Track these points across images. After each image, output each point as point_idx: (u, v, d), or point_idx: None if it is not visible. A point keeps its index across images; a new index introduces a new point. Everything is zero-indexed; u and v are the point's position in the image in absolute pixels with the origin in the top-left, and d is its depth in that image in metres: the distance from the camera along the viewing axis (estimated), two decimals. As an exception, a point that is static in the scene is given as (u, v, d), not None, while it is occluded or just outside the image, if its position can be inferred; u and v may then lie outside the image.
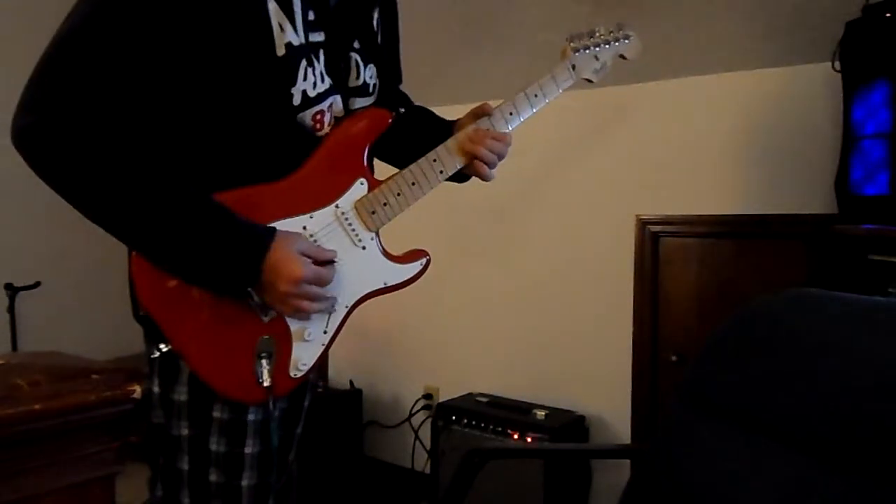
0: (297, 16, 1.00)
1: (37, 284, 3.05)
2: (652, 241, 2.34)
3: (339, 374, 3.07)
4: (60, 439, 0.75)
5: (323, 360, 1.10)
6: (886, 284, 1.49)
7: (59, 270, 3.17)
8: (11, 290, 2.99)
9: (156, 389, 1.05)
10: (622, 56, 1.29)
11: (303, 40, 1.01)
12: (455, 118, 1.26)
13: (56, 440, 0.75)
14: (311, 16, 1.03)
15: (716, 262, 2.24)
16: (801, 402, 1.09)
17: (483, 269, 2.74)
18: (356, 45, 1.12)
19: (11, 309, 2.98)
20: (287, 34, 0.99)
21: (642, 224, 2.35)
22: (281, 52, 0.98)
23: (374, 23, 1.18)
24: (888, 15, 1.54)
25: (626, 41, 1.29)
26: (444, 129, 1.21)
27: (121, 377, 0.81)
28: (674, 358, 2.27)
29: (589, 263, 2.47)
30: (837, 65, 1.70)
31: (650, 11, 2.17)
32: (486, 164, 1.17)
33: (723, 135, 2.23)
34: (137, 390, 0.79)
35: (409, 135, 1.21)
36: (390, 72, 1.23)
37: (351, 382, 2.94)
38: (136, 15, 0.91)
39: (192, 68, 0.96)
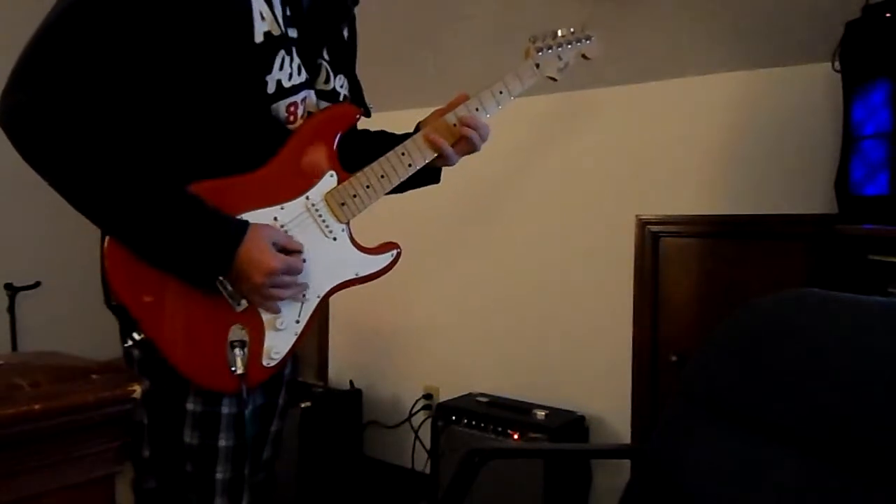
0: (276, 8, 1.03)
1: (37, 284, 3.05)
2: (652, 241, 2.34)
3: (339, 374, 3.07)
4: (60, 439, 0.75)
5: (297, 350, 1.11)
6: (886, 284, 1.49)
7: (59, 270, 3.17)
8: (11, 290, 2.99)
9: None
10: (584, 56, 1.32)
11: (282, 31, 1.04)
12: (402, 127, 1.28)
13: (56, 440, 0.75)
14: (287, 11, 1.06)
15: (716, 262, 2.24)
16: (800, 402, 1.09)
17: (483, 270, 2.74)
18: (325, 55, 1.15)
19: (11, 309, 2.99)
20: (267, 23, 1.01)
21: (642, 224, 2.35)
22: (259, 39, 1.01)
23: (345, 37, 1.21)
24: (888, 15, 1.54)
25: (588, 41, 1.32)
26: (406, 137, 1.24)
27: (121, 377, 0.80)
28: (674, 358, 2.27)
29: (589, 263, 2.47)
30: (837, 65, 1.70)
31: (652, 12, 2.17)
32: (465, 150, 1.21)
33: (723, 135, 2.23)
34: (137, 390, 0.79)
35: (370, 150, 1.21)
36: (357, 86, 1.25)
37: (351, 382, 2.94)
38: None
39: (172, 51, 0.98)
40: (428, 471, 2.62)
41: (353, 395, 2.88)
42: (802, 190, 2.06)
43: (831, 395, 1.05)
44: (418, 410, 2.84)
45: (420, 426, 2.79)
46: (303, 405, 2.59)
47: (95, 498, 0.79)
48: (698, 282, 2.27)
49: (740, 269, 2.19)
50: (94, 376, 0.79)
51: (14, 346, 2.96)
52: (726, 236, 2.23)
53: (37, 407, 0.71)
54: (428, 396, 2.83)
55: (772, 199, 2.13)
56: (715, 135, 2.24)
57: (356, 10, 1.25)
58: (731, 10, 2.07)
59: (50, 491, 0.75)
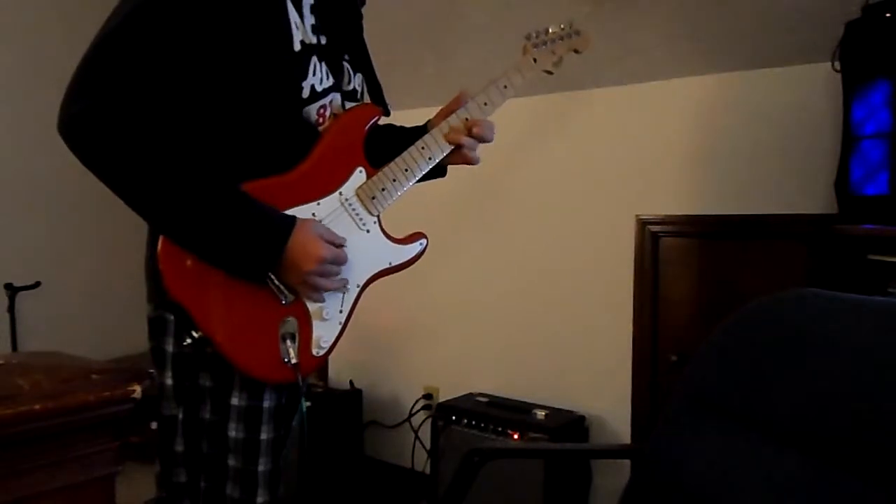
0: (306, 18, 1.10)
1: (37, 284, 3.05)
2: (652, 241, 2.34)
3: (339, 374, 3.07)
4: (60, 439, 0.75)
5: (340, 340, 1.17)
6: (886, 284, 1.49)
7: (59, 270, 3.17)
8: (11, 290, 2.99)
9: (168, 381, 1.12)
10: (575, 50, 1.38)
11: (313, 40, 1.10)
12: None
13: (56, 440, 0.75)
14: (314, 20, 1.12)
15: (716, 262, 2.24)
16: (800, 402, 1.09)
17: (483, 270, 2.74)
18: (346, 56, 1.22)
19: (11, 309, 2.99)
20: (300, 32, 1.08)
21: (642, 224, 2.35)
22: (297, 47, 1.07)
23: (363, 35, 1.27)
24: (888, 15, 1.54)
25: (578, 36, 1.38)
26: (419, 132, 1.29)
27: (121, 377, 0.81)
28: (674, 358, 2.27)
29: (589, 263, 2.47)
30: (837, 65, 1.70)
31: (651, 12, 2.17)
32: (470, 149, 1.25)
33: (723, 134, 2.23)
34: (137, 390, 0.79)
35: (386, 145, 1.26)
36: (376, 85, 1.30)
37: (351, 382, 2.94)
38: (174, 11, 0.98)
39: (218, 61, 1.03)
40: (428, 471, 2.62)
41: (353, 395, 2.88)
42: (802, 190, 2.06)
43: (831, 394, 1.05)
44: (418, 410, 2.84)
45: (420, 426, 2.79)
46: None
47: (95, 498, 0.79)
48: (698, 282, 2.27)
49: (740, 269, 2.19)
50: (94, 376, 0.79)
51: (14, 346, 2.96)
52: (726, 236, 2.24)
53: (37, 407, 0.71)
54: (428, 396, 2.83)
55: (772, 198, 2.13)
56: (715, 134, 2.24)
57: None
58: (731, 10, 2.07)
59: (50, 491, 0.75)
